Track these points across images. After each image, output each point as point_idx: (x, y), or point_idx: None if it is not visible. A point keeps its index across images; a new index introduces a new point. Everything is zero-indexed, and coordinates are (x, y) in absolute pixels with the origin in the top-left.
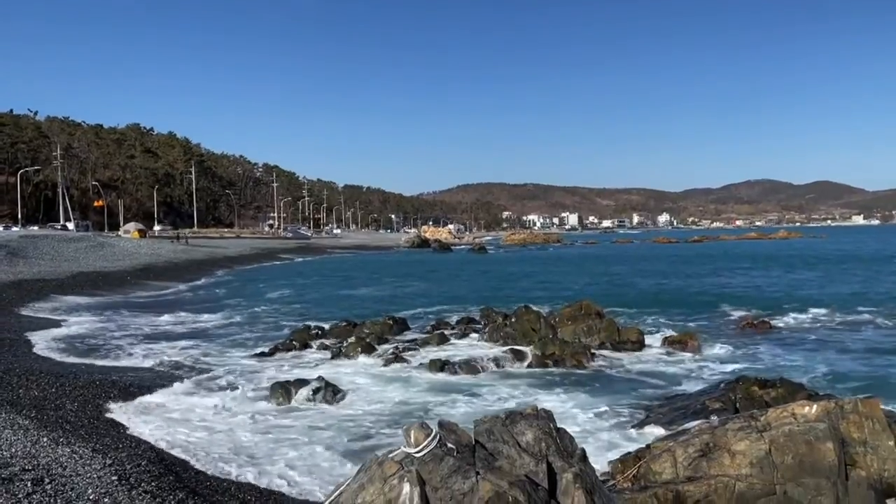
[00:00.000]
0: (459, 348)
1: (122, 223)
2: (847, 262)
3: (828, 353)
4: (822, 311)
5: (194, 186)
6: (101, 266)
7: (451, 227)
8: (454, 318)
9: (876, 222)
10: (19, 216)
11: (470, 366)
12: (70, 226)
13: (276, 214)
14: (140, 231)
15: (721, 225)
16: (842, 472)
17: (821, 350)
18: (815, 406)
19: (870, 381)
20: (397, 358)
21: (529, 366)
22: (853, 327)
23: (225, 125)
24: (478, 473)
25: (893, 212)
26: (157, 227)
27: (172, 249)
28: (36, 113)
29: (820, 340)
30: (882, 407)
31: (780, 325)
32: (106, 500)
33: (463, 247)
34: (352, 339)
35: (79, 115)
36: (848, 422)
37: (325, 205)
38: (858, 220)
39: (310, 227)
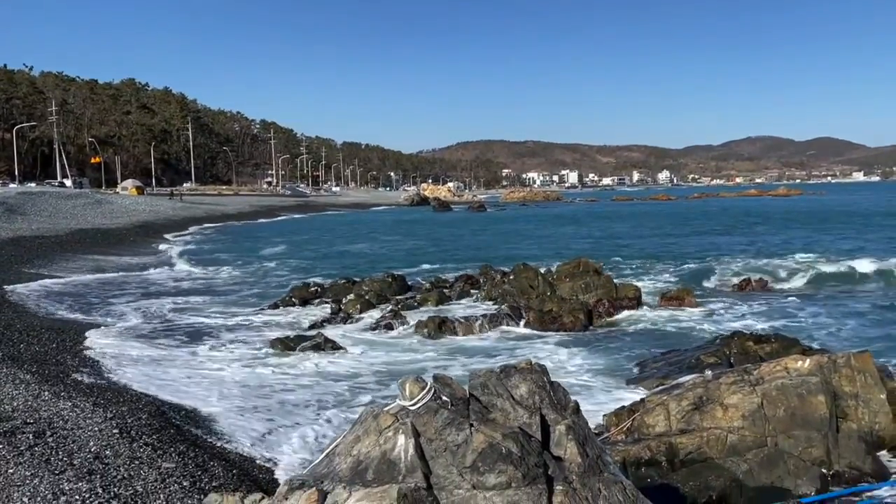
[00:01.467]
0: (458, 305)
1: (119, 180)
2: (845, 218)
3: (824, 310)
4: (820, 268)
5: (191, 143)
6: (100, 223)
7: (450, 184)
8: (453, 276)
9: (876, 179)
10: (16, 173)
11: (468, 322)
12: (68, 182)
13: (274, 172)
14: (138, 188)
15: (721, 182)
16: (833, 425)
17: (816, 306)
18: (807, 360)
19: (864, 337)
20: (396, 315)
21: (527, 323)
22: (850, 284)
23: (221, 81)
24: (472, 426)
25: (894, 168)
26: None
27: (171, 206)
28: (31, 68)
29: (816, 297)
30: (874, 361)
31: (777, 282)
32: (107, 452)
33: (462, 205)
34: (351, 297)
35: (72, 70)
36: (840, 376)
37: (323, 162)
38: (859, 176)
39: (308, 185)
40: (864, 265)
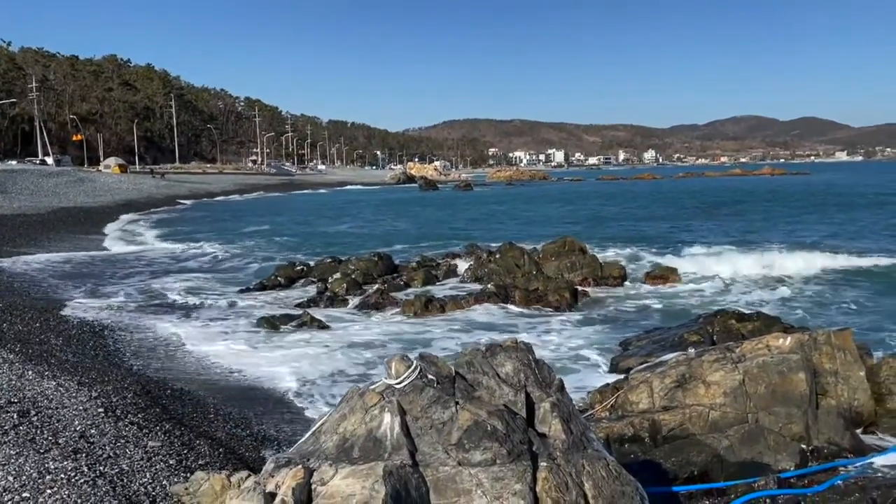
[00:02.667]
0: (444, 284)
1: (101, 158)
2: (829, 198)
3: (807, 288)
4: (803, 249)
5: (175, 120)
6: (82, 201)
7: (437, 163)
8: (439, 255)
9: (859, 158)
10: None
11: (454, 301)
12: (49, 160)
13: (259, 150)
14: (121, 166)
15: (706, 161)
16: (813, 402)
17: (800, 285)
18: (789, 338)
19: (846, 314)
20: (382, 294)
21: (513, 302)
22: (831, 263)
23: (204, 57)
24: (457, 403)
25: (877, 148)
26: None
27: (155, 185)
28: (9, 43)
29: (800, 276)
30: (854, 338)
31: (761, 260)
32: (92, 431)
33: (449, 184)
34: (337, 276)
35: (53, 46)
36: (821, 353)
37: (308, 140)
38: (842, 156)
39: (294, 163)
40: (847, 244)
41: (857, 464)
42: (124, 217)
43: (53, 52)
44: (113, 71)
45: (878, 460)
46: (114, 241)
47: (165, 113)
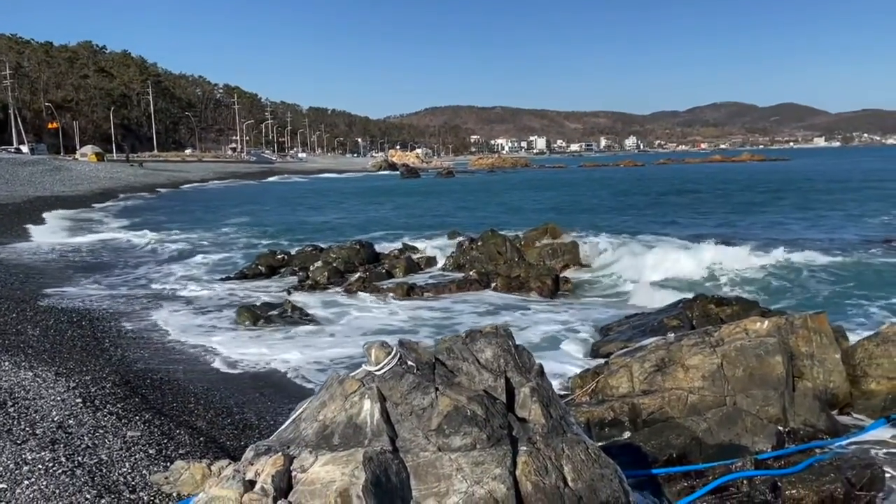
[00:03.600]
0: (426, 272)
1: (78, 146)
2: (806, 184)
3: (784, 273)
4: (780, 233)
5: (152, 108)
6: (59, 190)
7: (418, 151)
8: (421, 242)
9: (837, 144)
10: None
11: (436, 288)
12: (24, 149)
13: (238, 137)
14: (98, 154)
15: (686, 148)
16: (789, 384)
17: (777, 270)
18: (766, 322)
19: (822, 298)
20: (364, 282)
21: (495, 288)
22: (809, 247)
23: (181, 44)
24: (437, 389)
25: (854, 133)
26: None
27: (133, 173)
28: None
29: (777, 260)
30: (829, 322)
31: (739, 245)
32: (70, 421)
33: (431, 171)
34: (318, 264)
35: (26, 32)
36: (797, 336)
37: (289, 128)
38: (820, 142)
39: (274, 151)
40: (823, 230)
41: (833, 445)
42: (97, 206)
43: (27, 38)
44: (88, 58)
45: (853, 441)
46: (81, 231)
47: (142, 100)
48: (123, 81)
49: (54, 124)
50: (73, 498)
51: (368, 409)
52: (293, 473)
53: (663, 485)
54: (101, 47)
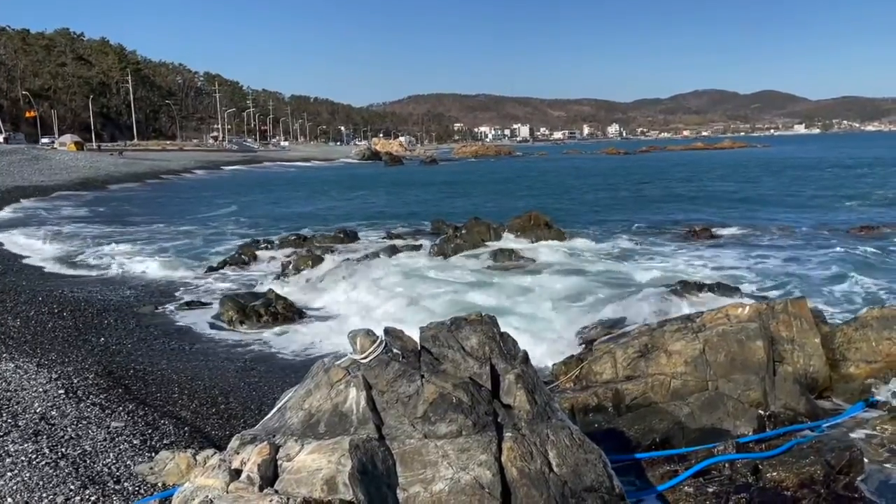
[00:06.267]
0: (410, 259)
1: (56, 135)
2: (786, 170)
3: (764, 258)
4: (761, 218)
5: (132, 96)
6: (38, 180)
7: (402, 139)
8: (405, 231)
9: (816, 131)
10: None
11: (421, 276)
12: (0, 138)
13: (220, 126)
14: (77, 143)
15: (669, 135)
16: (770, 369)
17: (758, 255)
18: (747, 307)
19: (801, 283)
20: (348, 269)
21: (479, 274)
22: (789, 233)
23: (161, 31)
24: (423, 377)
25: (833, 121)
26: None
27: (113, 163)
28: None
29: (758, 245)
30: (810, 307)
31: (721, 232)
32: (53, 412)
33: (414, 159)
34: (302, 252)
35: (1, 19)
36: (778, 321)
37: (271, 116)
38: (800, 129)
39: (256, 140)
40: (803, 215)
41: (813, 428)
42: (83, 194)
43: (2, 25)
44: (66, 45)
45: (833, 424)
46: (74, 222)
47: (122, 88)
48: (102, 69)
49: (32, 113)
50: (58, 489)
51: (354, 398)
52: (279, 462)
53: (647, 469)
54: (79, 34)
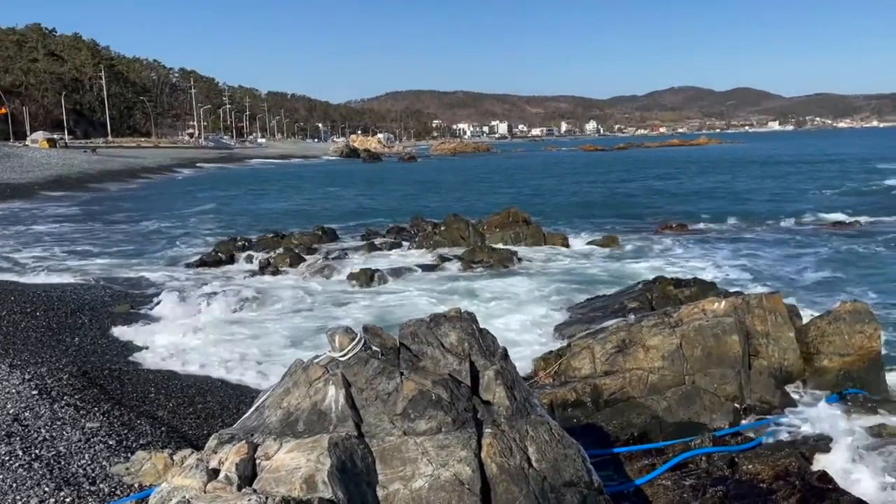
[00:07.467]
0: (389, 257)
1: (28, 132)
2: (752, 166)
3: (739, 253)
4: (736, 214)
5: (105, 93)
6: (8, 178)
7: (380, 136)
8: (384, 228)
9: (790, 128)
10: None
11: (399, 273)
12: None
13: (195, 123)
14: (49, 140)
15: (646, 132)
16: (745, 362)
17: (733, 250)
18: (723, 302)
19: (776, 278)
20: (327, 267)
21: (458, 272)
22: (764, 228)
23: (134, 26)
24: (402, 374)
25: (807, 117)
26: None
27: (86, 160)
28: None
29: (733, 241)
30: (784, 301)
31: (697, 227)
32: (27, 413)
33: (393, 156)
34: (280, 250)
35: None
36: (753, 316)
37: (247, 113)
38: (774, 125)
39: (232, 137)
40: (773, 210)
41: (787, 420)
42: (58, 193)
43: None
44: (37, 41)
45: (807, 416)
46: (47, 222)
47: (95, 85)
48: (75, 65)
49: (3, 110)
50: (32, 491)
51: (333, 395)
52: (257, 461)
53: (625, 463)
54: (50, 30)
